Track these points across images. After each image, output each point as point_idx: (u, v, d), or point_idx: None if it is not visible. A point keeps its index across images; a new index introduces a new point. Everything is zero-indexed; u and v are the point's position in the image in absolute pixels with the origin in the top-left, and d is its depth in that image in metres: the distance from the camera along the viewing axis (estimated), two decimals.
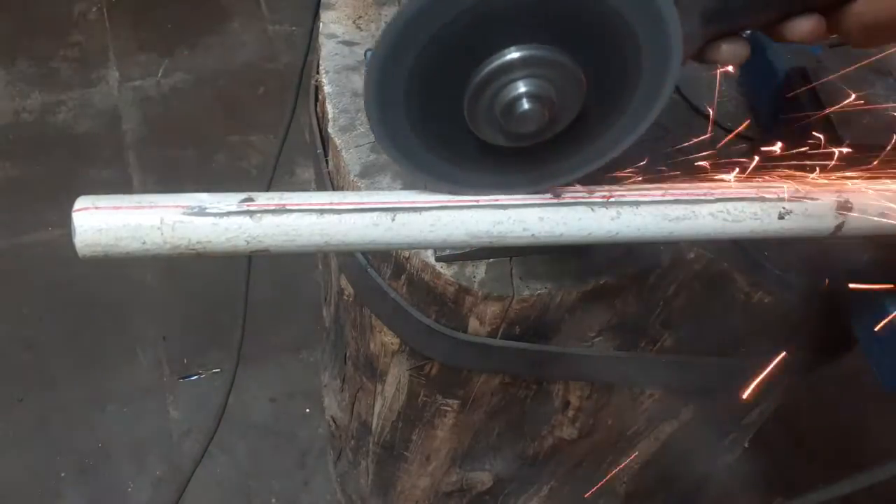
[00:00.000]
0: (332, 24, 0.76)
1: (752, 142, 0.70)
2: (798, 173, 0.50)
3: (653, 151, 0.53)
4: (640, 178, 0.50)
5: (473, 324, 0.67)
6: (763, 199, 0.47)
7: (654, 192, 0.48)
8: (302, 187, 1.88)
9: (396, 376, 0.83)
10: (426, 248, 0.62)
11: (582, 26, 0.38)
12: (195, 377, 1.64)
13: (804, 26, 0.42)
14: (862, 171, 0.50)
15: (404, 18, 0.37)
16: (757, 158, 0.51)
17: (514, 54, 0.38)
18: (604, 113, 0.43)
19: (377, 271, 0.70)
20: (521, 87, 0.39)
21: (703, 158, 0.53)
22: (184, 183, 1.86)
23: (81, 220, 0.43)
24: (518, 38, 0.38)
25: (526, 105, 0.39)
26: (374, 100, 0.41)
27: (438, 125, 0.43)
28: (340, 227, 0.45)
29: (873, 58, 0.64)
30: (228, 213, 0.44)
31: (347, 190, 0.66)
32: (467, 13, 0.37)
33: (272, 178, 0.99)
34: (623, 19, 0.37)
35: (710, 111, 0.69)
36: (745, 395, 0.67)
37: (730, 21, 0.43)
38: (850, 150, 0.53)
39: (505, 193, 0.46)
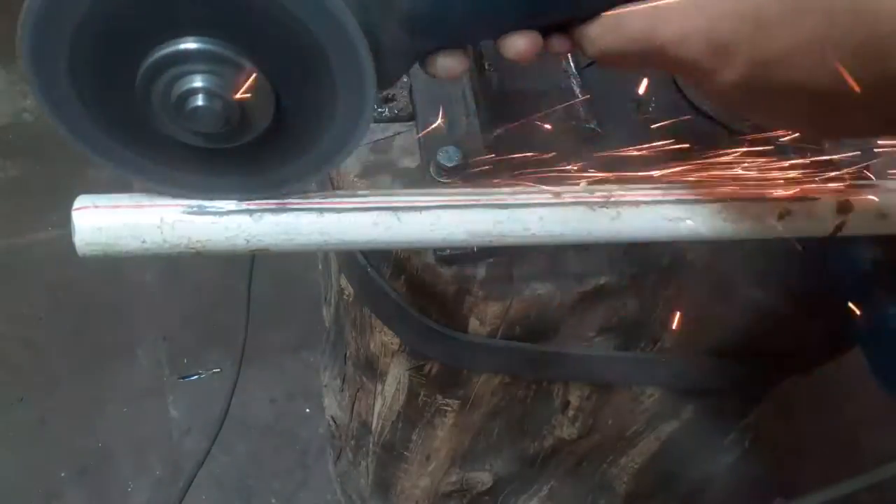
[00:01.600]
0: None
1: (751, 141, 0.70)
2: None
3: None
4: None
5: (473, 324, 0.67)
6: (763, 199, 0.47)
7: (655, 192, 0.48)
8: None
9: (396, 376, 0.83)
10: (426, 247, 0.62)
11: (264, 28, 0.36)
12: (195, 377, 1.64)
13: (518, 45, 0.41)
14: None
15: None
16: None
17: (190, 45, 0.36)
18: (305, 121, 0.41)
19: (377, 271, 0.70)
20: (196, 82, 0.37)
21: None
22: None
23: (81, 218, 0.43)
24: (198, 30, 0.36)
25: (200, 101, 0.37)
26: (30, 63, 0.37)
27: (116, 110, 0.39)
28: (340, 226, 0.45)
29: None
30: (228, 212, 0.44)
31: (347, 190, 0.66)
32: None
33: None
34: (304, 27, 0.36)
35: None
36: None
37: (440, 36, 0.41)
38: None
39: (216, 198, 0.44)
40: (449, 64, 0.42)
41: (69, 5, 0.34)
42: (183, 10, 0.35)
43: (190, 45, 0.36)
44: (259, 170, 0.43)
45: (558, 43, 0.41)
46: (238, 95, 0.37)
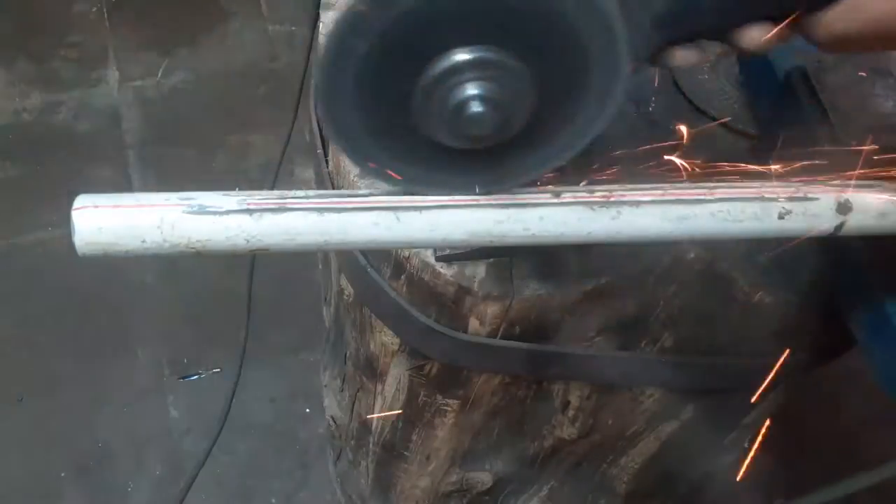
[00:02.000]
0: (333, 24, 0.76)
1: (752, 140, 0.70)
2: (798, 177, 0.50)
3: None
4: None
5: (473, 324, 0.67)
6: (763, 199, 0.47)
7: (655, 192, 0.48)
8: (302, 187, 1.88)
9: (396, 376, 0.83)
10: (426, 247, 0.62)
11: (529, 29, 0.37)
12: (195, 377, 1.64)
13: (755, 34, 0.42)
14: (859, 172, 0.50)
15: (341, 27, 0.37)
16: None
17: (462, 56, 0.38)
18: (555, 116, 0.42)
19: (377, 271, 0.70)
20: (471, 90, 0.38)
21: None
22: (184, 183, 1.84)
23: (81, 218, 0.43)
24: (466, 39, 0.37)
25: (476, 107, 0.39)
26: (324, 104, 0.40)
27: (390, 125, 0.42)
28: (340, 226, 0.45)
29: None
30: (228, 212, 0.44)
31: (347, 190, 0.66)
32: (410, 15, 0.36)
33: (276, 177, 0.99)
34: (569, 24, 0.37)
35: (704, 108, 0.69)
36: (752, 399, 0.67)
37: (681, 28, 0.43)
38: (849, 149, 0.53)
39: (457, 194, 0.46)
40: (688, 56, 0.44)
41: (351, 50, 0.37)
42: (454, 25, 0.37)
43: (462, 55, 0.38)
44: (501, 163, 0.45)
45: (785, 31, 0.43)
46: (510, 97, 0.39)
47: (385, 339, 0.79)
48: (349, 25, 0.36)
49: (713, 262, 0.64)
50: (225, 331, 1.66)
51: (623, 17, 0.38)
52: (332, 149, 0.70)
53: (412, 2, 0.35)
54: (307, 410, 1.61)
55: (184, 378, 1.64)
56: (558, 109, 0.42)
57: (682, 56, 0.44)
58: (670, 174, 0.51)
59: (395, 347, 0.78)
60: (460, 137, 0.41)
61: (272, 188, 0.89)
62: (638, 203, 0.47)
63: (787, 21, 0.42)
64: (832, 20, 0.41)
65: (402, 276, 0.67)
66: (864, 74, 0.63)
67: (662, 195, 0.47)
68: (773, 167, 0.50)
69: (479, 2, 0.36)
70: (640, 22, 0.41)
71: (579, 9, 0.36)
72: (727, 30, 0.43)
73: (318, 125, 0.77)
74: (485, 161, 0.44)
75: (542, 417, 0.86)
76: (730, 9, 0.42)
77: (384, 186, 0.46)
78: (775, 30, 0.42)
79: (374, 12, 0.36)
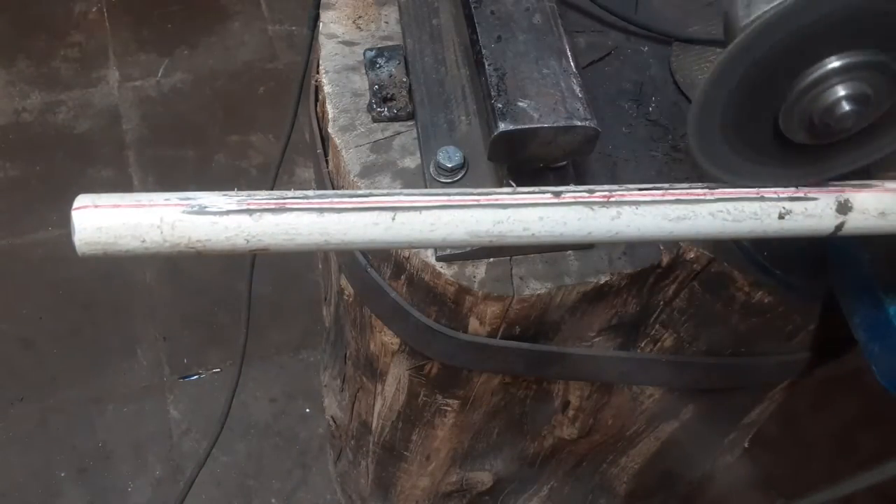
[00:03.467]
0: (332, 24, 0.76)
1: None
2: None
3: None
4: None
5: (473, 324, 0.67)
6: (763, 199, 0.47)
7: (655, 192, 0.47)
8: (302, 187, 1.88)
9: (396, 376, 0.83)
10: (426, 247, 0.62)
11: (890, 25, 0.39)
12: (195, 377, 1.64)
13: None
14: None
15: (729, 55, 0.40)
16: None
17: (834, 63, 0.40)
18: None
19: (377, 271, 0.70)
20: (841, 91, 0.41)
21: None
22: (184, 183, 1.86)
23: (81, 218, 0.43)
24: (836, 48, 0.40)
25: (847, 107, 0.41)
26: (695, 126, 0.44)
27: (750, 132, 0.45)
28: (340, 226, 0.45)
29: None
30: (228, 212, 0.44)
31: (347, 190, 0.66)
32: (784, 40, 0.39)
33: (276, 177, 0.99)
34: None
35: None
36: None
37: None
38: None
39: (783, 185, 0.48)
40: None
41: (733, 71, 0.41)
42: (824, 41, 0.40)
43: (834, 63, 0.41)
44: (828, 156, 0.47)
45: None
46: (876, 91, 0.41)
47: (385, 339, 0.79)
48: (736, 53, 0.40)
49: (713, 262, 0.64)
50: (225, 331, 1.66)
51: None
52: (331, 149, 0.70)
53: (776, 35, 0.39)
54: (307, 410, 1.61)
55: (184, 378, 1.64)
56: None
57: None
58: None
59: (395, 347, 0.78)
60: (823, 136, 0.44)
61: (272, 188, 0.89)
62: (638, 203, 0.47)
63: None
64: None
65: (402, 276, 0.67)
66: None
67: (662, 195, 0.47)
68: None
69: (847, 12, 0.38)
70: None
71: None
72: None
73: (318, 125, 0.77)
74: (815, 154, 0.46)
75: (542, 417, 0.86)
76: None
77: (384, 187, 0.46)
78: None
79: (753, 43, 0.40)
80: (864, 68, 0.41)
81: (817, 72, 0.41)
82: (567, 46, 0.60)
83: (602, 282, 0.63)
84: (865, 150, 0.47)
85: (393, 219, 0.45)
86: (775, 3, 0.39)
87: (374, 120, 0.69)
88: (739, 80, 0.42)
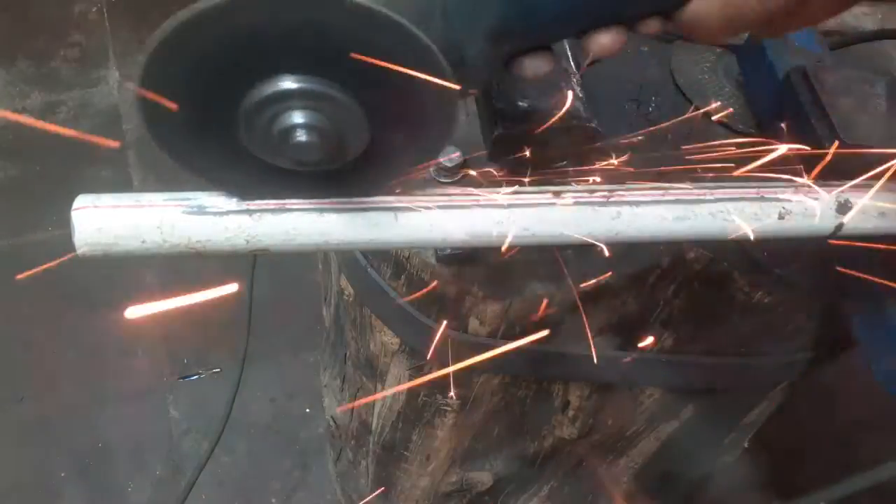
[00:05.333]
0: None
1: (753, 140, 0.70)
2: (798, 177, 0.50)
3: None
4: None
5: (473, 324, 0.67)
6: (763, 199, 0.47)
7: (655, 192, 0.48)
8: None
9: (396, 376, 0.83)
10: (426, 247, 0.62)
11: (351, 62, 0.36)
12: (195, 377, 1.64)
13: (603, 41, 0.42)
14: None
15: (176, 24, 0.36)
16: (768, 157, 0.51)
17: (288, 84, 0.37)
18: (394, 140, 0.42)
19: (377, 271, 0.70)
20: (297, 118, 0.38)
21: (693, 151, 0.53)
22: (184, 183, 1.85)
23: (81, 218, 0.43)
24: (294, 67, 0.37)
25: (302, 136, 0.38)
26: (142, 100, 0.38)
27: (216, 138, 0.41)
28: (340, 227, 0.45)
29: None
30: (228, 212, 0.44)
31: None
32: (240, 35, 0.35)
33: None
34: (390, 57, 0.36)
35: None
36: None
37: (522, 39, 0.42)
38: (847, 150, 0.53)
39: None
40: (536, 65, 0.43)
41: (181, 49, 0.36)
42: (278, 53, 0.36)
43: (289, 84, 0.37)
44: (339, 183, 0.44)
45: (648, 25, 0.42)
46: (336, 127, 0.38)
47: (385, 339, 0.79)
48: (186, 25, 0.36)
49: (713, 262, 0.64)
50: (225, 330, 1.66)
51: (449, 39, 0.38)
52: None
53: (233, 25, 0.35)
54: (307, 410, 1.61)
55: (184, 378, 1.64)
56: (396, 134, 0.41)
57: (532, 65, 0.43)
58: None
59: (395, 347, 0.78)
60: (290, 162, 0.41)
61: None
62: (638, 203, 0.47)
63: (640, 23, 0.42)
64: (689, 17, 0.41)
65: (402, 276, 0.67)
66: (864, 74, 0.63)
67: (662, 195, 0.47)
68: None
69: (298, 32, 0.35)
70: (474, 39, 0.40)
71: (396, 43, 0.35)
72: (574, 37, 0.43)
73: None
74: (323, 179, 0.43)
75: (542, 417, 0.86)
76: (570, 19, 0.41)
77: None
78: (617, 36, 0.42)
79: (207, 22, 0.35)
80: (320, 98, 0.37)
81: (271, 89, 0.37)
82: (567, 46, 0.60)
83: (602, 282, 0.63)
84: (382, 173, 0.44)
85: (393, 219, 0.45)
86: None
87: None
88: (190, 73, 0.37)
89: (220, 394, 1.54)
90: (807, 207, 0.47)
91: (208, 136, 0.40)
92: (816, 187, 0.48)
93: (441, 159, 0.61)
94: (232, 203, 0.44)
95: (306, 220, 0.45)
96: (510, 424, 0.87)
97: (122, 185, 1.88)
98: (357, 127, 0.39)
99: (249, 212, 0.44)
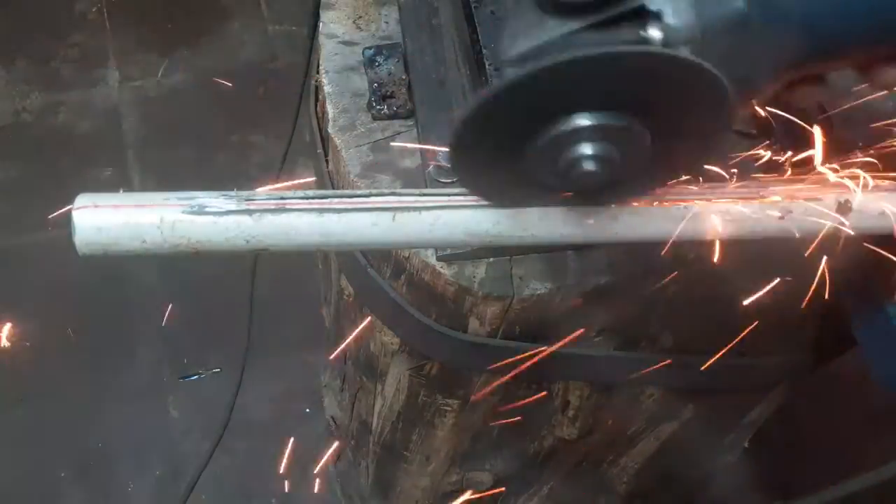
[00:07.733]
0: (332, 24, 0.76)
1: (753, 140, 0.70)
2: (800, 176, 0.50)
3: None
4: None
5: (473, 324, 0.67)
6: (763, 199, 0.47)
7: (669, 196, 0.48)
8: (303, 188, 1.87)
9: (396, 376, 0.83)
10: (426, 247, 0.62)
11: (645, 96, 0.38)
12: (195, 377, 1.64)
13: (891, 75, 0.43)
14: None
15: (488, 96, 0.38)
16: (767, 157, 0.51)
17: (583, 121, 0.38)
18: (660, 158, 0.43)
19: (377, 271, 0.70)
20: (587, 150, 0.39)
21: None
22: (184, 183, 1.84)
23: (81, 218, 0.43)
24: (588, 105, 0.38)
25: (590, 166, 0.39)
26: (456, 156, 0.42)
27: (503, 166, 0.43)
28: (340, 227, 0.45)
29: None
30: (228, 212, 0.44)
31: (347, 190, 0.66)
32: (540, 85, 0.37)
33: (278, 177, 0.99)
34: (682, 88, 0.38)
35: None
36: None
37: (814, 69, 0.44)
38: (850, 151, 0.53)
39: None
40: (811, 94, 0.45)
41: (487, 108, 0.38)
42: (574, 98, 0.38)
43: (583, 121, 0.38)
44: (605, 193, 0.45)
45: None
46: (622, 154, 0.40)
47: (385, 339, 0.79)
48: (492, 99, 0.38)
49: (713, 262, 0.64)
50: (225, 330, 1.66)
51: (747, 66, 0.39)
52: (331, 149, 0.70)
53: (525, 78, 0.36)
54: (307, 410, 1.61)
55: (184, 378, 1.64)
56: (663, 153, 0.42)
57: (803, 94, 0.45)
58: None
59: (395, 347, 0.78)
60: (570, 187, 0.43)
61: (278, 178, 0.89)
62: (638, 203, 0.47)
63: None
64: None
65: (402, 276, 0.67)
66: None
67: (662, 195, 0.47)
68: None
69: (597, 77, 0.37)
70: (766, 70, 0.41)
71: (690, 75, 0.37)
72: (864, 69, 0.44)
73: (318, 125, 0.77)
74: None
75: (542, 417, 0.86)
76: (869, 52, 0.43)
77: (384, 187, 0.46)
78: None
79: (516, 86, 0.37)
80: (613, 131, 0.39)
81: (564, 127, 0.39)
82: None
83: (602, 282, 0.63)
84: (637, 190, 0.47)
85: (393, 219, 0.45)
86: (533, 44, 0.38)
87: (374, 118, 0.69)
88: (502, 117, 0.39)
89: (220, 394, 1.54)
90: (807, 207, 0.47)
91: (498, 165, 0.42)
92: (816, 188, 0.48)
93: (441, 160, 0.61)
94: (232, 203, 0.44)
95: (306, 220, 0.45)
96: (510, 424, 0.87)
97: (122, 185, 1.88)
98: (642, 149, 0.40)
99: (249, 212, 0.44)
